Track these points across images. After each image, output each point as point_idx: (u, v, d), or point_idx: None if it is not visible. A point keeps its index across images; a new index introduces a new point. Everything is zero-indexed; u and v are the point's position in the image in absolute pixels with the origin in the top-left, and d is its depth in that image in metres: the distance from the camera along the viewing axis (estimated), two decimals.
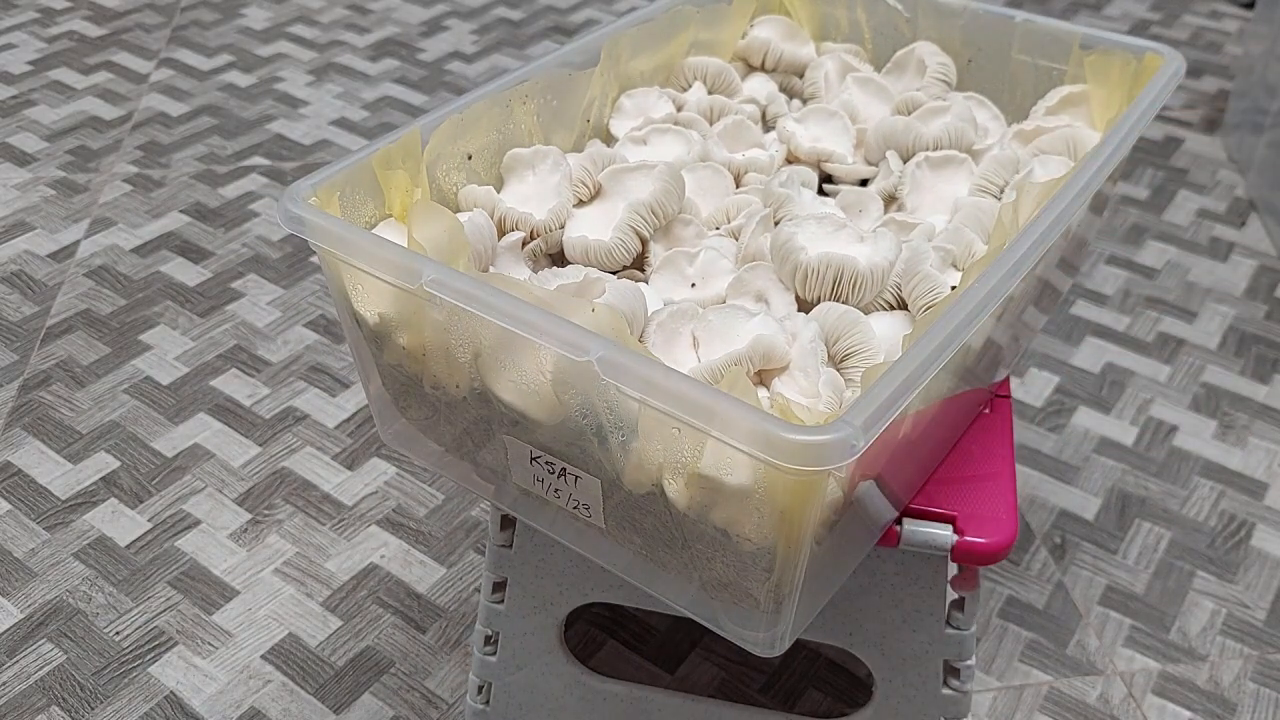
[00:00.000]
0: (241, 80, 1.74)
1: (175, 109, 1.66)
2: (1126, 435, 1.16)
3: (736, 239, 0.70)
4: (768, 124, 0.85)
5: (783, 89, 0.89)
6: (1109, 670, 0.94)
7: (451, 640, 0.94)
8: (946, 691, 0.73)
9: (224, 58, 1.80)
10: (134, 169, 1.53)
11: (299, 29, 1.89)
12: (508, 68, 1.79)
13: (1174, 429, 1.17)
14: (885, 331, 0.63)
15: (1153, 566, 1.03)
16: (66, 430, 1.13)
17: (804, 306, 0.65)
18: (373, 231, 0.65)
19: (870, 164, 0.80)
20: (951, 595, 0.71)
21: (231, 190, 1.49)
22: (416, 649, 0.93)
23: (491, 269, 0.66)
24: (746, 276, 0.65)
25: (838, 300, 0.64)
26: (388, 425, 0.69)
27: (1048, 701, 0.91)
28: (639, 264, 0.70)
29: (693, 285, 0.67)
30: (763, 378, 0.60)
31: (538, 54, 1.84)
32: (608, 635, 0.95)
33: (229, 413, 1.15)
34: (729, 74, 0.85)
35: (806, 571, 0.53)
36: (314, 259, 1.38)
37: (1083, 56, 0.79)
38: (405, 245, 0.60)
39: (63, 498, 1.06)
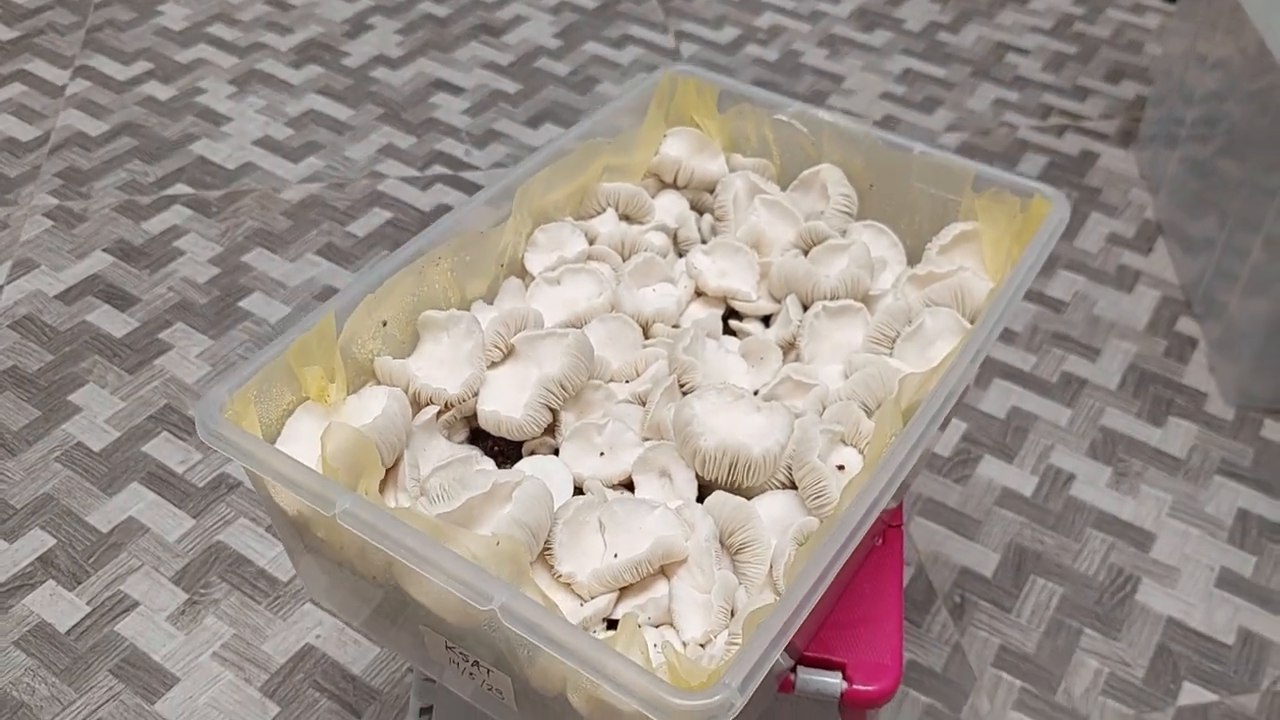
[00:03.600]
0: (161, 92, 1.70)
1: (94, 127, 1.63)
2: (1027, 485, 1.23)
3: (643, 404, 0.74)
4: (679, 247, 0.88)
5: (694, 206, 0.91)
6: None
7: None
8: None
9: (142, 65, 1.76)
10: (54, 200, 1.51)
11: (218, 29, 1.85)
12: (435, 74, 1.77)
13: (1071, 477, 1.24)
14: (777, 514, 0.68)
15: (1044, 625, 1.10)
16: (1, 505, 1.14)
17: (703, 482, 0.69)
18: (289, 421, 0.68)
19: (775, 299, 0.84)
20: None
21: (155, 224, 1.48)
22: None
23: (406, 452, 0.69)
24: (650, 455, 0.70)
25: (733, 481, 0.68)
26: (316, 586, 0.72)
27: None
28: (550, 430, 0.73)
29: (601, 454, 0.71)
30: (664, 570, 0.65)
31: (464, 58, 1.82)
32: None
33: (162, 481, 1.17)
34: (640, 197, 0.88)
35: None
36: (242, 303, 1.38)
37: (974, 198, 0.83)
38: (320, 457, 0.63)
39: (1, 580, 1.08)
